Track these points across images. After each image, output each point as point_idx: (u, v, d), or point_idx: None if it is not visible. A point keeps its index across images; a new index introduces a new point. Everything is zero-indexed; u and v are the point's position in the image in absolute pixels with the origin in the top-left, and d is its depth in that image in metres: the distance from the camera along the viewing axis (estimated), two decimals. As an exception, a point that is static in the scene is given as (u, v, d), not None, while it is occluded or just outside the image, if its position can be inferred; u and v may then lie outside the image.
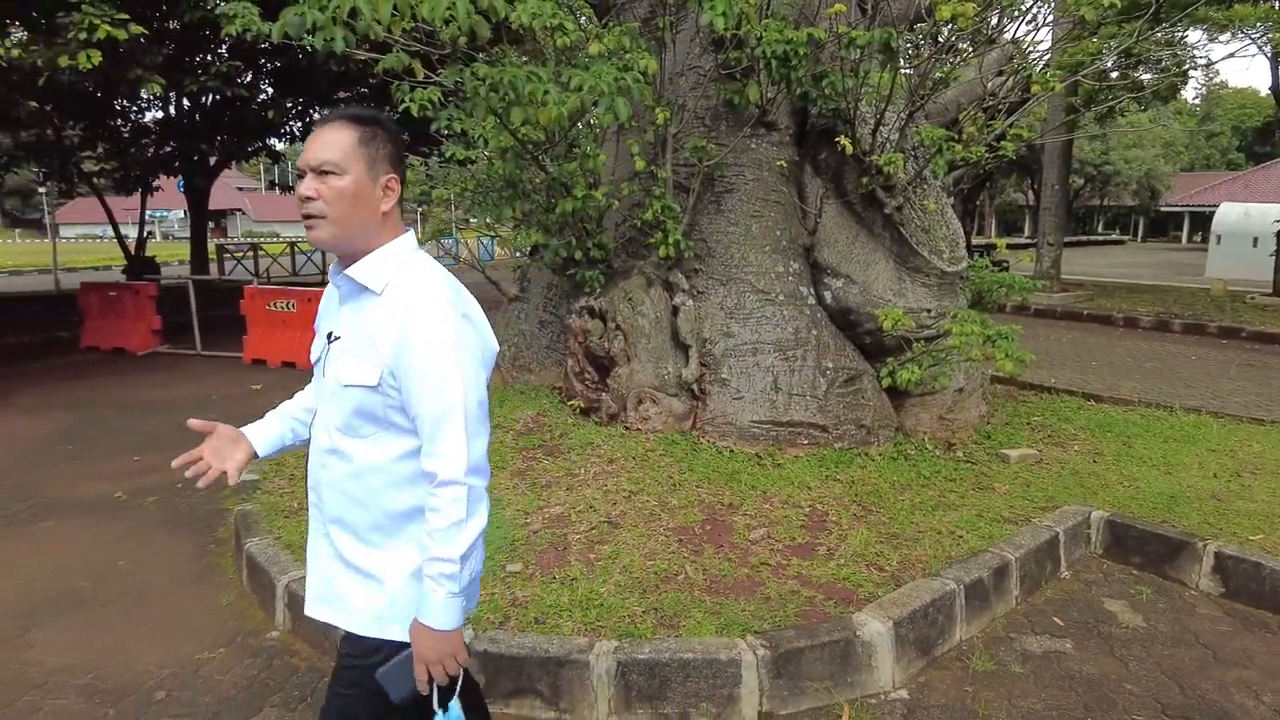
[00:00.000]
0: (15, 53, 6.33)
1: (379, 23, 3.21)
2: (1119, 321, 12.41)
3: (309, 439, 1.81)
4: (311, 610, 1.76)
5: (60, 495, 5.12)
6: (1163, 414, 6.13)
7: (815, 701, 2.80)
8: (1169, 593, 3.71)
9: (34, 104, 7.51)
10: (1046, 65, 7.54)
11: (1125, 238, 48.35)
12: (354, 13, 3.09)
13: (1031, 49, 6.03)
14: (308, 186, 1.61)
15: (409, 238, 1.71)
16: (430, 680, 1.63)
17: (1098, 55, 10.55)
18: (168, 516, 4.75)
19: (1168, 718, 2.78)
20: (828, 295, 5.29)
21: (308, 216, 1.62)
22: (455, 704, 1.69)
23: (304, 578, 1.92)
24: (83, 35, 6.68)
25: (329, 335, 1.72)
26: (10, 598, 3.71)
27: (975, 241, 22.50)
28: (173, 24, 10.28)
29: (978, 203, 27.12)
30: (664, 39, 4.69)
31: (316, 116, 14.11)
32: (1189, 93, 46.52)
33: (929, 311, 5.19)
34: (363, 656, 1.68)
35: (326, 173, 1.60)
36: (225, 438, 1.79)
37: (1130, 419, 5.98)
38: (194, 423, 1.80)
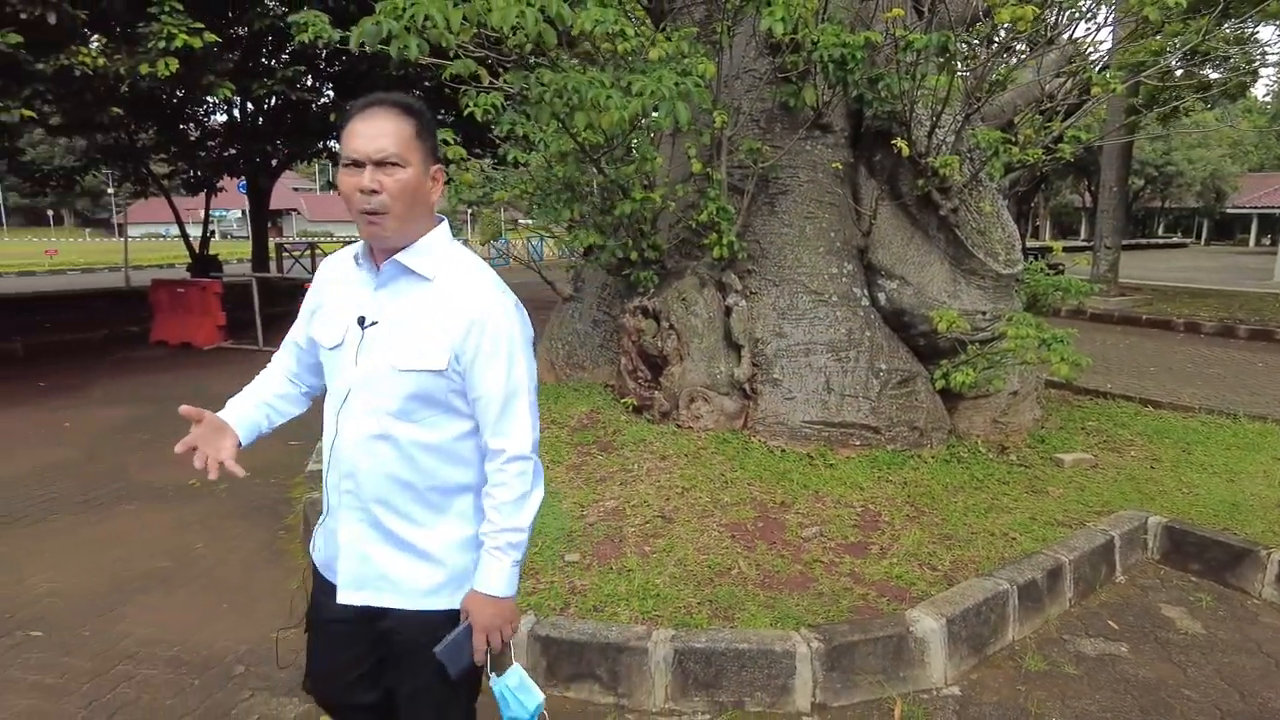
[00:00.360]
0: (100, 61, 6.68)
1: (449, 31, 3.35)
2: (1179, 327, 12.09)
3: (279, 424, 1.92)
4: (345, 598, 1.74)
5: (138, 481, 5.38)
6: (1226, 421, 6.00)
7: (867, 695, 2.86)
8: (1230, 600, 3.66)
9: (116, 110, 7.88)
10: (1106, 66, 7.42)
11: (1187, 240, 46.86)
12: (426, 21, 3.23)
13: (1092, 49, 5.95)
14: (371, 179, 1.56)
15: (446, 226, 1.73)
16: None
17: (1161, 54, 10.30)
18: (239, 504, 4.97)
19: (1226, 723, 2.77)
20: (881, 297, 5.30)
21: (370, 212, 1.58)
22: (517, 668, 1.77)
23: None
24: (161, 44, 7.01)
25: (360, 320, 1.67)
26: (102, 574, 3.94)
27: (1029, 244, 22.08)
28: (237, 31, 10.68)
29: (1032, 205, 26.62)
30: (721, 43, 4.76)
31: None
32: (1259, 90, 44.86)
33: (984, 314, 5.17)
34: (430, 633, 1.71)
35: (390, 164, 1.57)
36: (212, 426, 1.75)
37: (1190, 426, 5.87)
38: (185, 409, 1.72)
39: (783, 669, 2.79)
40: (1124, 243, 17.06)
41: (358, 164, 1.58)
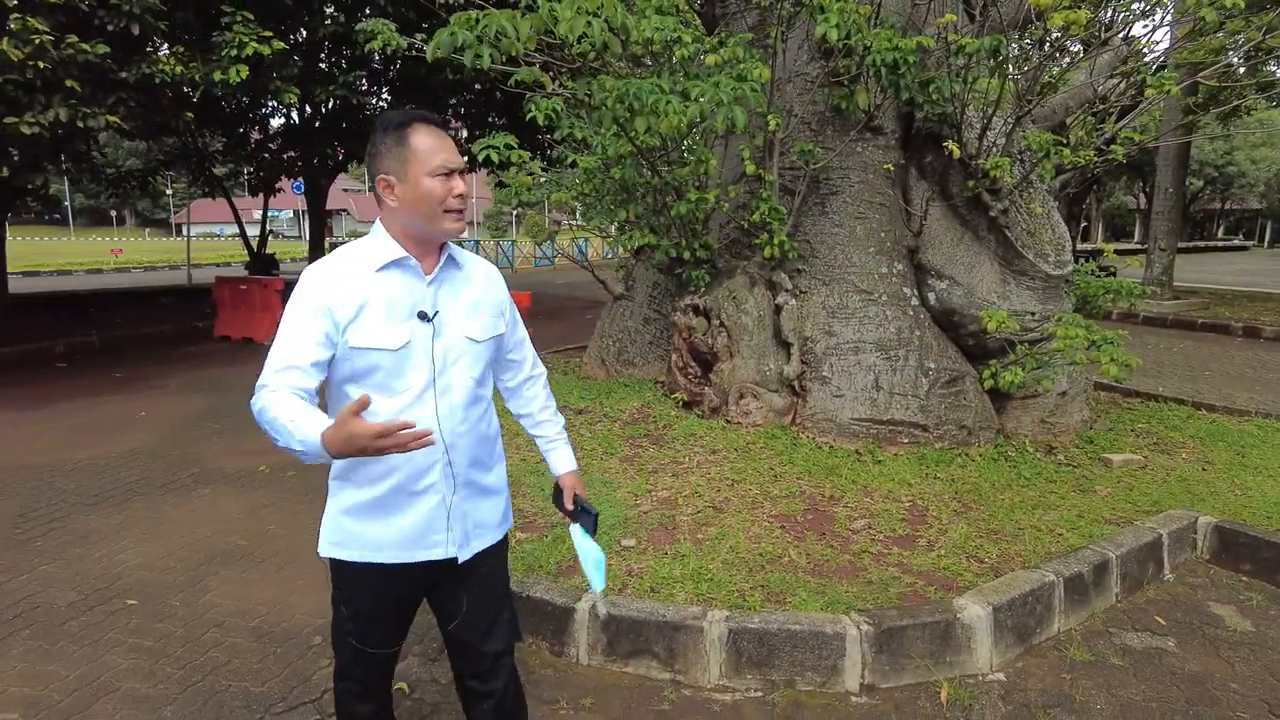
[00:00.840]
0: (178, 69, 7.05)
1: (518, 41, 3.53)
2: (1238, 331, 11.82)
3: None
4: (464, 557, 1.98)
5: (212, 467, 5.68)
6: (1282, 425, 5.92)
7: (915, 678, 2.96)
8: (1281, 601, 3.67)
9: (189, 115, 8.28)
10: (1164, 66, 7.34)
11: (1249, 243, 45.39)
12: (498, 32, 3.42)
13: (1148, 50, 5.91)
14: (459, 186, 1.85)
15: None
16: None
17: (1221, 52, 10.11)
18: (306, 489, 5.21)
19: (1275, 717, 2.82)
20: (931, 296, 5.37)
21: (460, 211, 1.87)
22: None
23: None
24: (233, 52, 7.36)
25: (422, 315, 1.84)
26: (186, 551, 4.21)
27: (1080, 246, 21.68)
28: (298, 36, 11.09)
29: (1083, 206, 26.08)
30: (774, 48, 4.88)
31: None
32: (1326, 88, 43.19)
33: (1033, 314, 5.21)
34: (499, 555, 2.13)
35: (461, 174, 1.87)
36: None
37: (1246, 429, 5.81)
38: (364, 398, 1.59)
39: (833, 650, 2.91)
40: (1181, 245, 16.70)
41: (450, 173, 1.83)
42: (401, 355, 1.83)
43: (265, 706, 2.87)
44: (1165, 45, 8.47)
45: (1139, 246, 25.56)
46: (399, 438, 1.53)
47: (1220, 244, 42.93)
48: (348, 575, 1.99)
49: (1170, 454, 5.21)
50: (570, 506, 2.23)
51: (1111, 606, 3.55)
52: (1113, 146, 5.27)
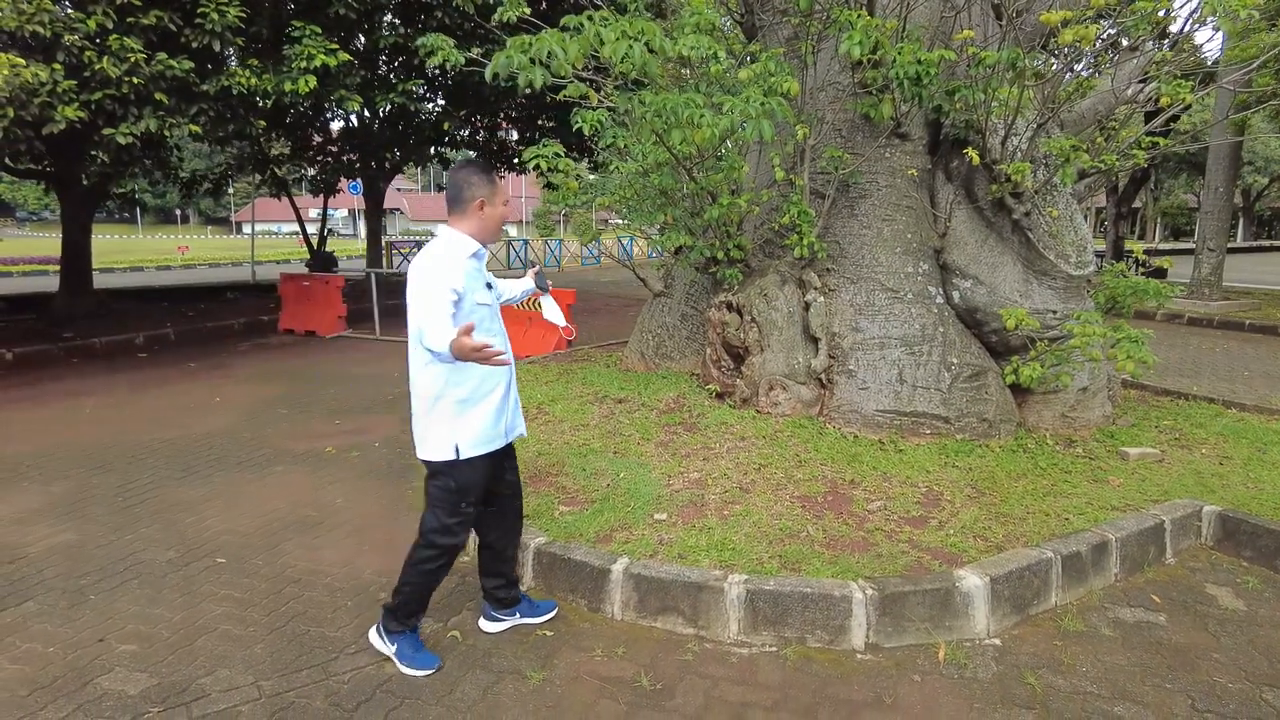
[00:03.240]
0: (253, 81, 7.61)
1: (567, 62, 3.90)
2: (1286, 332, 11.67)
3: None
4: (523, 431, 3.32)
5: (283, 448, 6.19)
6: (1313, 425, 6.00)
7: (915, 640, 3.26)
8: (1278, 585, 3.86)
9: (261, 122, 8.88)
10: (1213, 74, 7.36)
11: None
12: (549, 54, 3.80)
13: (1181, 52, 6.01)
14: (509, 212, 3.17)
15: None
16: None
17: (1273, 48, 10.04)
18: (370, 468, 5.69)
19: (1249, 683, 3.05)
20: (956, 295, 5.61)
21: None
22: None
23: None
24: (302, 64, 7.90)
25: (489, 284, 3.11)
26: (264, 520, 4.70)
27: (1129, 247, 21.26)
28: (358, 45, 11.67)
29: (1134, 205, 25.50)
30: (805, 60, 5.18)
31: (481, 126, 15.53)
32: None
33: (1054, 313, 5.42)
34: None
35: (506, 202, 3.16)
36: None
37: (1272, 427, 5.91)
38: (469, 324, 2.72)
39: (840, 611, 3.22)
40: (1245, 245, 16.39)
41: (507, 203, 3.14)
42: (489, 307, 3.06)
43: (339, 648, 3.30)
44: (1211, 45, 8.48)
45: (1186, 247, 24.93)
46: (487, 352, 2.56)
47: (1286, 244, 41.42)
48: (476, 468, 3.04)
49: (1190, 449, 5.37)
50: (540, 285, 3.57)
51: (1110, 585, 3.79)
52: (1134, 151, 5.44)
